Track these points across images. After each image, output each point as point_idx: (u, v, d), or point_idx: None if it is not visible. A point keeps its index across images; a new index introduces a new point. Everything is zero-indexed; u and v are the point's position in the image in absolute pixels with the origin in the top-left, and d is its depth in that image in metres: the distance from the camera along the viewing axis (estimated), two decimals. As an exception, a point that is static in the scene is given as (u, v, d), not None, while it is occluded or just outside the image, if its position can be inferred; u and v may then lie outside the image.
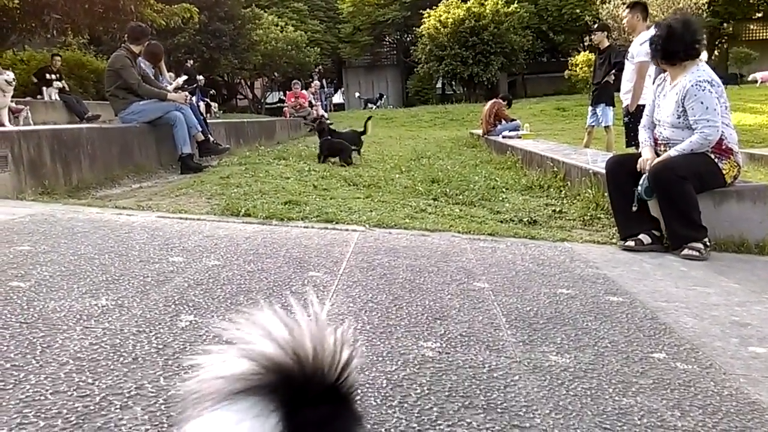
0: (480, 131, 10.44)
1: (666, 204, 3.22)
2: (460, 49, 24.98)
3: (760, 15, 28.87)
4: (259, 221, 3.35)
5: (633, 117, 5.37)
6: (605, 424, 1.36)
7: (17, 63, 11.90)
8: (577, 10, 25.31)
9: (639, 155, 3.44)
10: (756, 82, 21.83)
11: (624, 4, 8.05)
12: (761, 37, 29.48)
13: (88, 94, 12.48)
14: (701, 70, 3.23)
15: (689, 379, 1.64)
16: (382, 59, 34.37)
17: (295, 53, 24.87)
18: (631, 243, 3.27)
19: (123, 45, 5.77)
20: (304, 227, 3.27)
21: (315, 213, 3.57)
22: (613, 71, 6.99)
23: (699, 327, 2.07)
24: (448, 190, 4.93)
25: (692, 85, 3.16)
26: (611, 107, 7.40)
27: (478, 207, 4.40)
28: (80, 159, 4.37)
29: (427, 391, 1.45)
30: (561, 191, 4.96)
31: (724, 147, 3.24)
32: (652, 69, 4.90)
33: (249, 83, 28.27)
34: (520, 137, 8.88)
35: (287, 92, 15.28)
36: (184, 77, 7.59)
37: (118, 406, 1.26)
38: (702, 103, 3.13)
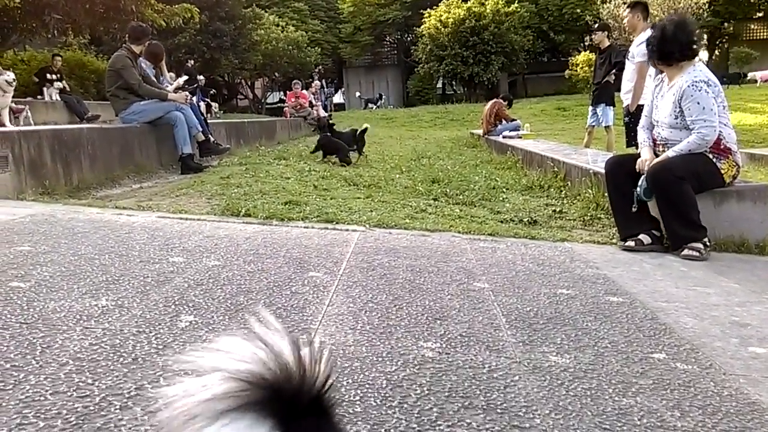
0: (480, 131, 10.44)
1: (664, 204, 3.23)
2: (460, 48, 24.98)
3: (760, 15, 28.87)
4: (260, 221, 3.36)
5: (633, 117, 5.36)
6: (605, 424, 1.36)
7: (18, 63, 11.91)
8: (578, 10, 25.31)
9: (638, 156, 3.45)
10: (755, 81, 21.83)
11: (624, 3, 8.05)
12: (762, 37, 29.48)
13: (89, 94, 12.49)
14: (698, 70, 3.23)
15: (689, 379, 1.64)
16: (382, 59, 34.38)
17: (296, 53, 24.88)
18: (631, 243, 3.27)
19: (124, 45, 5.77)
20: (305, 227, 3.27)
21: (315, 213, 3.57)
22: (614, 71, 6.98)
23: (699, 327, 2.07)
24: (448, 191, 4.93)
25: (689, 86, 3.15)
26: (612, 107, 7.40)
27: (478, 207, 4.40)
28: (81, 159, 4.37)
29: (426, 392, 1.45)
30: (561, 191, 4.96)
31: (722, 147, 3.23)
32: (652, 69, 4.90)
33: (249, 83, 28.29)
34: (520, 137, 8.88)
35: (288, 92, 15.29)
36: (185, 77, 7.59)
37: (117, 407, 1.26)
38: (698, 103, 3.13)
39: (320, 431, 0.58)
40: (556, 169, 5.46)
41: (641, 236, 3.28)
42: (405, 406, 1.38)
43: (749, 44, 27.02)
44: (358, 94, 31.02)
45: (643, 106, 4.41)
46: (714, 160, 3.24)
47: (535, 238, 3.40)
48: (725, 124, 3.25)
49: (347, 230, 3.24)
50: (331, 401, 0.59)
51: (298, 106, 13.87)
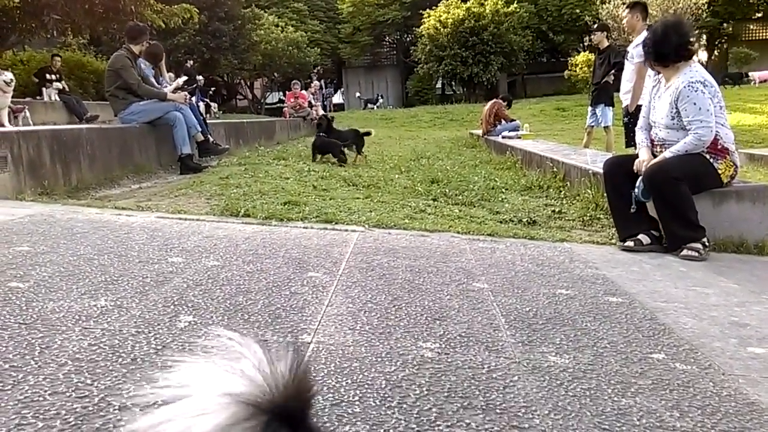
0: (480, 131, 10.44)
1: (662, 205, 3.23)
2: (459, 49, 25.00)
3: (759, 15, 28.91)
4: (259, 222, 3.35)
5: (632, 117, 5.37)
6: (604, 424, 1.36)
7: (17, 63, 11.90)
8: (577, 10, 25.34)
9: (636, 156, 3.45)
10: (754, 82, 21.86)
11: (624, 4, 8.05)
12: (761, 37, 29.51)
13: (88, 94, 12.48)
14: (694, 71, 3.23)
15: (688, 379, 1.64)
16: (381, 59, 34.39)
17: (296, 53, 24.89)
18: (630, 243, 3.28)
19: (124, 45, 5.77)
20: (304, 228, 3.27)
21: (314, 213, 3.57)
22: (613, 71, 6.99)
23: (698, 327, 2.07)
24: (447, 191, 4.93)
25: (684, 87, 3.16)
26: (611, 107, 7.40)
27: (477, 207, 4.40)
28: (80, 159, 4.37)
29: (426, 392, 1.45)
30: (560, 191, 4.96)
31: (719, 147, 3.23)
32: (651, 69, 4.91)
33: (249, 83, 28.30)
34: (519, 137, 8.89)
35: (287, 92, 15.29)
36: (185, 78, 7.59)
37: (116, 407, 1.26)
38: (695, 104, 3.13)
39: None
40: (555, 169, 5.46)
41: (640, 236, 3.28)
42: (404, 406, 1.38)
43: (748, 44, 27.06)
44: (358, 94, 31.04)
45: (642, 106, 4.42)
46: (711, 160, 3.24)
47: (535, 238, 3.40)
48: (722, 124, 3.25)
49: (346, 230, 3.24)
50: (313, 413, 0.57)
51: (297, 107, 13.88)
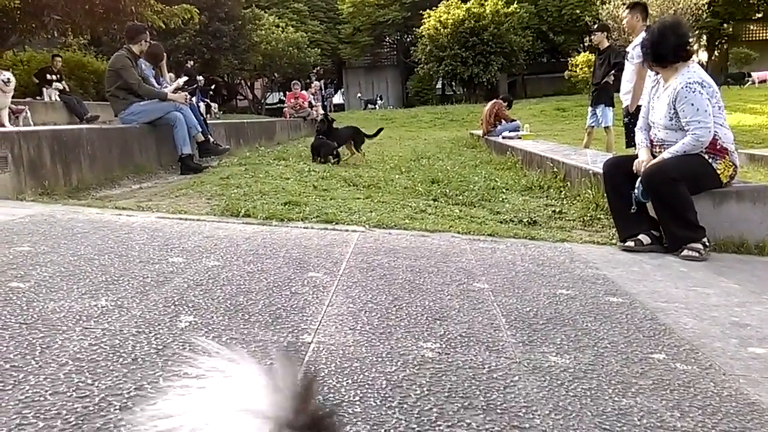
0: (480, 132, 10.44)
1: (660, 206, 3.23)
2: (460, 49, 25.02)
3: (760, 15, 28.92)
4: (259, 222, 3.35)
5: (633, 117, 5.36)
6: (605, 424, 1.36)
7: (17, 64, 11.91)
8: (577, 11, 25.34)
9: (636, 157, 3.45)
10: (753, 82, 21.88)
11: (624, 4, 8.05)
12: (761, 38, 29.52)
13: (89, 94, 12.49)
14: (692, 71, 3.23)
15: (689, 379, 1.64)
16: (382, 60, 34.41)
17: (296, 54, 24.91)
18: (630, 243, 3.27)
19: (124, 46, 5.77)
20: (304, 228, 3.27)
21: (315, 213, 3.57)
22: (613, 72, 6.99)
23: (699, 328, 2.07)
24: (447, 191, 4.93)
25: (682, 87, 3.16)
26: (611, 108, 7.40)
27: (477, 207, 4.40)
28: (80, 160, 4.37)
29: (426, 392, 1.45)
30: (561, 192, 4.96)
31: (718, 147, 3.23)
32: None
33: (249, 84, 28.31)
34: (520, 138, 8.88)
35: (287, 93, 15.30)
36: (185, 78, 7.59)
37: (117, 407, 1.26)
38: (692, 104, 3.13)
39: None
40: (555, 169, 5.46)
41: (641, 236, 3.28)
42: (405, 406, 1.38)
43: (749, 45, 27.07)
44: (359, 94, 31.05)
45: (642, 106, 4.42)
46: (710, 160, 3.23)
47: (535, 238, 3.40)
48: (721, 125, 3.24)
49: (347, 231, 3.24)
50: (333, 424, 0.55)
51: (298, 107, 13.89)
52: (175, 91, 5.96)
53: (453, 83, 28.98)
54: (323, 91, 21.74)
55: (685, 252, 3.13)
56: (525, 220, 3.90)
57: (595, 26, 8.27)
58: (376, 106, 27.22)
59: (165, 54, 6.95)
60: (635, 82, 5.45)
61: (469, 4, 25.32)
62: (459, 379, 1.54)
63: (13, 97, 6.97)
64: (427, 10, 26.07)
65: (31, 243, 2.57)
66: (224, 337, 1.70)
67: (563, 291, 2.38)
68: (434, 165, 7.06)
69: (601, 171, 3.76)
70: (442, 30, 25.09)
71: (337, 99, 32.91)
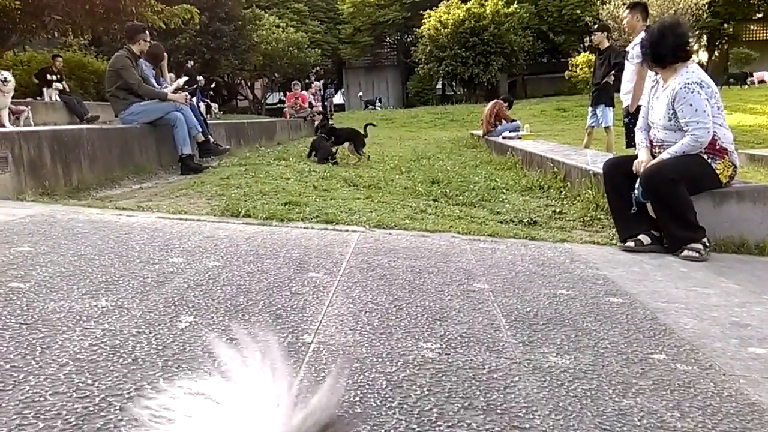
0: (480, 132, 10.44)
1: (659, 207, 3.23)
2: (460, 49, 25.03)
3: (760, 15, 28.93)
4: (259, 222, 3.35)
5: (633, 118, 5.36)
6: (605, 425, 1.36)
7: (18, 64, 11.91)
8: (578, 11, 25.35)
9: (636, 157, 3.45)
10: (753, 82, 21.89)
11: (624, 4, 8.05)
12: (761, 38, 29.52)
13: (89, 95, 12.49)
14: (691, 71, 3.22)
15: (689, 380, 1.64)
16: (382, 60, 34.43)
17: (296, 54, 24.92)
18: (630, 243, 3.27)
19: (125, 46, 5.78)
20: (304, 228, 3.27)
21: (315, 214, 3.57)
22: (613, 72, 6.99)
23: (699, 328, 2.07)
24: (448, 191, 4.93)
25: (681, 88, 3.15)
26: (611, 108, 7.40)
27: (478, 208, 4.40)
28: (80, 160, 4.37)
29: (426, 392, 1.45)
30: (561, 192, 4.96)
31: (717, 147, 3.23)
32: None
33: (249, 84, 28.31)
34: (520, 138, 8.88)
35: (287, 93, 15.31)
36: (185, 78, 7.60)
37: (117, 407, 1.26)
38: (691, 105, 3.13)
39: None
40: (555, 169, 5.46)
41: (641, 237, 3.28)
42: (405, 406, 1.38)
43: (749, 45, 27.07)
44: (360, 94, 31.07)
45: (642, 106, 4.42)
46: (709, 160, 3.23)
47: (535, 238, 3.40)
48: (720, 125, 3.24)
49: (347, 231, 3.24)
50: None
51: (298, 107, 13.90)
52: (176, 91, 5.97)
53: (453, 83, 28.99)
54: (324, 92, 21.72)
55: (685, 252, 3.13)
56: (525, 221, 3.90)
57: (596, 26, 8.27)
58: (376, 107, 27.25)
59: (165, 54, 6.95)
60: (635, 83, 5.45)
61: (469, 4, 25.32)
62: (459, 379, 1.54)
63: (13, 98, 6.97)
64: (428, 10, 26.08)
65: (31, 243, 2.57)
66: (224, 338, 1.70)
67: (563, 291, 2.38)
68: (434, 165, 7.06)
69: (601, 171, 3.76)
70: (442, 30, 25.10)
71: (338, 99, 32.92)
